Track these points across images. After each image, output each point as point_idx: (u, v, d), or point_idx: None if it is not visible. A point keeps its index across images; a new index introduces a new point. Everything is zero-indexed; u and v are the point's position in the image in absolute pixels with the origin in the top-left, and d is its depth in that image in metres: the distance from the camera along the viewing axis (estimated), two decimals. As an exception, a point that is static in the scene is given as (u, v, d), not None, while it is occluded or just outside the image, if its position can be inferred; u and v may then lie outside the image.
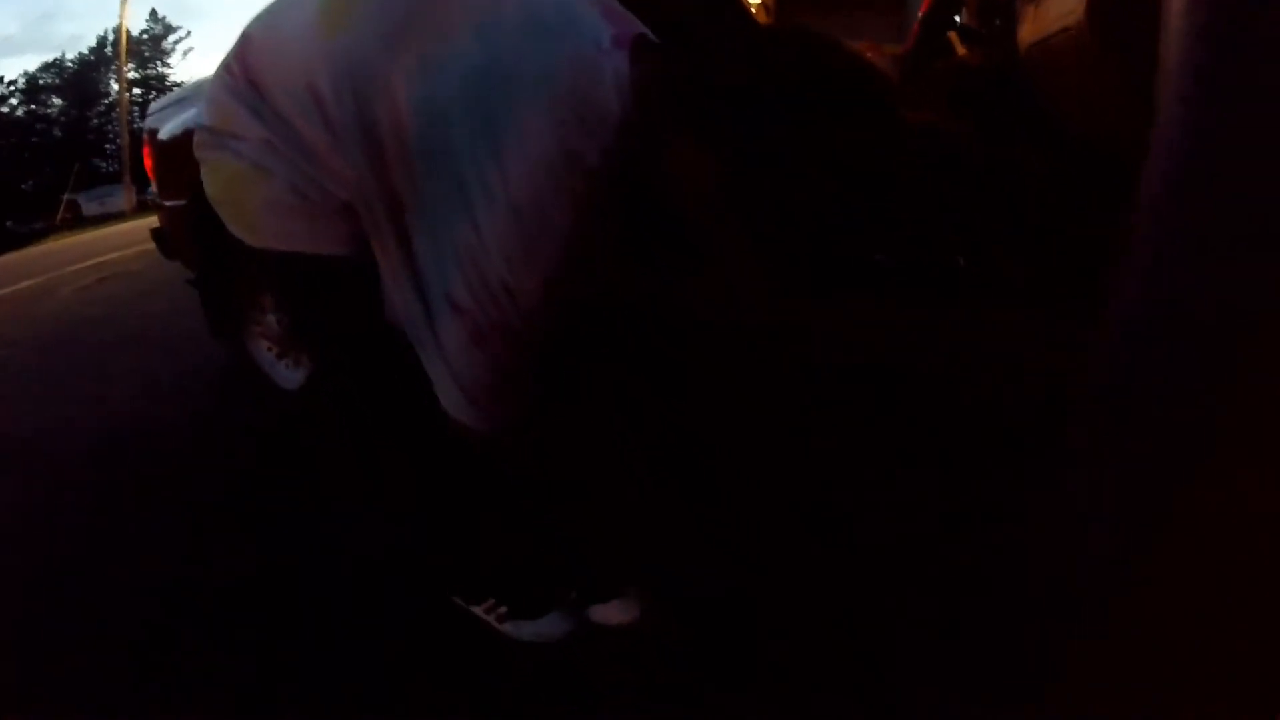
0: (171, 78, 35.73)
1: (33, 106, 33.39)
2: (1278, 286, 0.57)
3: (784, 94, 1.09)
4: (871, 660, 1.33)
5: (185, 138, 2.68)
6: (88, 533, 2.17)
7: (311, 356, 2.50)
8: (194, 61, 38.44)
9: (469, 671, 1.45)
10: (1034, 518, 0.90)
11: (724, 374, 2.09)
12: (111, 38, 31.82)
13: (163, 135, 2.95)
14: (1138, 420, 0.66)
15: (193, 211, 2.69)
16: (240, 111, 1.25)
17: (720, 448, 1.97)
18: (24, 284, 8.60)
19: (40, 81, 33.59)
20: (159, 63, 36.47)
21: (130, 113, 26.16)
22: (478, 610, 1.52)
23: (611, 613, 1.49)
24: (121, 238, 12.61)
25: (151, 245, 3.57)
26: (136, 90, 32.75)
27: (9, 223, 22.91)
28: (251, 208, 1.28)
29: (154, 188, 3.16)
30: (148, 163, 3.14)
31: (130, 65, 31.70)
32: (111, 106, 32.42)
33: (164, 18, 40.42)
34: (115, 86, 30.59)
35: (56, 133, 33.16)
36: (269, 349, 2.77)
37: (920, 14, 3.02)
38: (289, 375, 2.70)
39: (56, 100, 33.85)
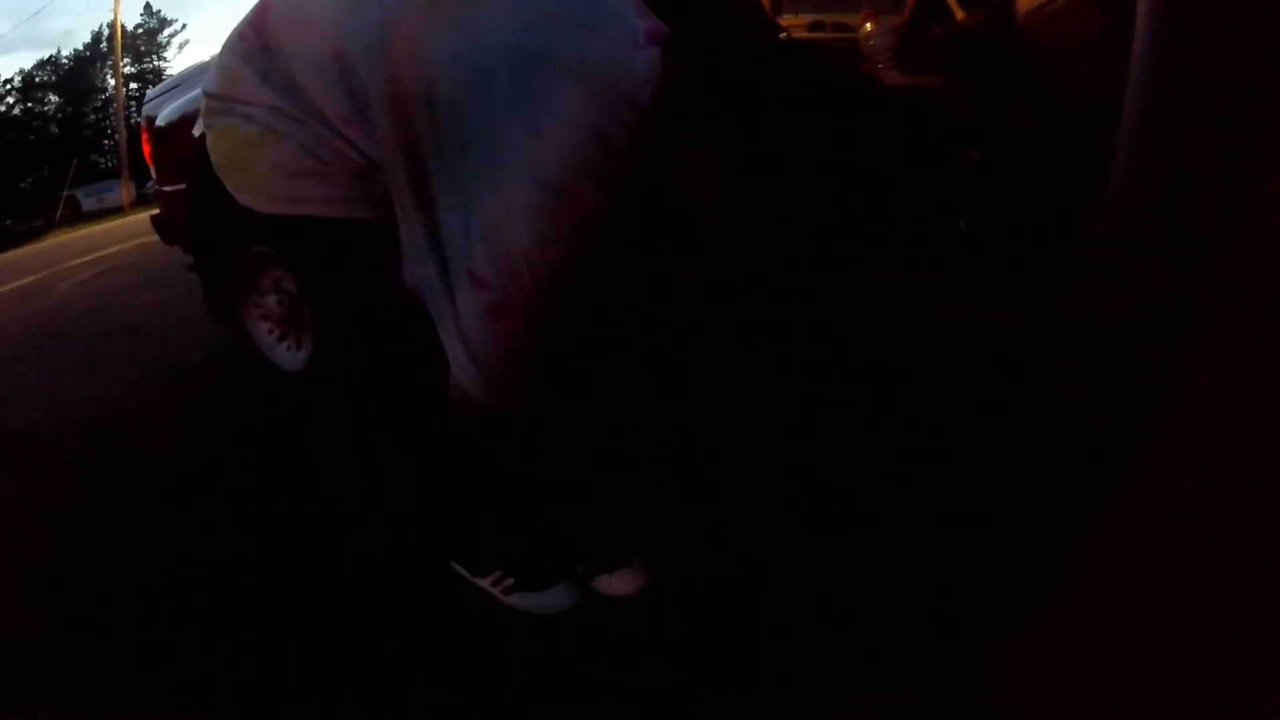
0: (168, 71, 35.66)
1: (29, 104, 33.32)
2: (1239, 270, 0.57)
3: (793, 100, 1.11)
4: (871, 660, 1.33)
5: (183, 123, 2.71)
6: (87, 532, 2.16)
7: (314, 335, 2.51)
8: (189, 54, 38.28)
9: (469, 671, 1.44)
10: (1028, 514, 0.90)
11: (724, 373, 2.10)
12: (106, 33, 31.78)
13: (160, 122, 2.97)
14: (1103, 412, 0.66)
15: (192, 195, 2.71)
16: (251, 77, 1.26)
17: (720, 447, 1.97)
18: (23, 280, 8.58)
19: (36, 79, 33.53)
20: (155, 57, 36.44)
21: (127, 108, 26.07)
22: (483, 582, 1.52)
23: (618, 583, 1.50)
24: (119, 232, 12.60)
25: (149, 239, 3.58)
26: (133, 85, 32.68)
27: (8, 221, 22.87)
28: (261, 171, 1.28)
29: (153, 174, 3.17)
30: (146, 149, 3.16)
31: (126, 60, 31.69)
32: (108, 102, 32.41)
33: (159, 11, 40.53)
34: (111, 82, 30.56)
35: (53, 130, 33.09)
36: (269, 331, 2.77)
37: None
38: (290, 357, 2.71)
39: (53, 97, 33.79)
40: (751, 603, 1.50)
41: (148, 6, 42.41)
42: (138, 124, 4.16)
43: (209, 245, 2.81)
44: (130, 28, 34.89)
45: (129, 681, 1.52)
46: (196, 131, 2.60)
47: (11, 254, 14.33)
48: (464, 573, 1.55)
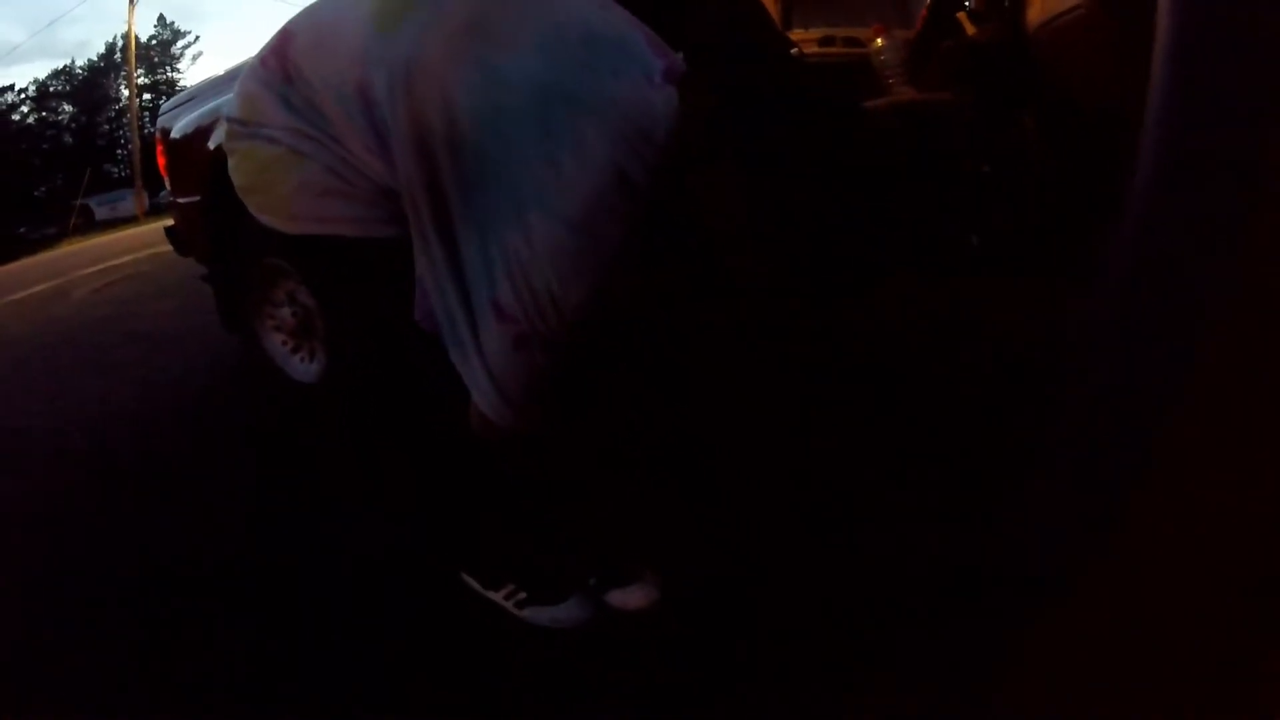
0: (181, 82, 35.84)
1: (43, 114, 33.51)
2: (1264, 276, 0.57)
3: (806, 123, 1.13)
4: (871, 660, 1.32)
5: (197, 136, 2.73)
6: (89, 531, 2.18)
7: (328, 347, 2.51)
8: (203, 66, 38.47)
9: (469, 671, 1.44)
10: (1028, 514, 0.90)
11: (724, 374, 2.09)
12: (120, 44, 31.97)
13: (175, 134, 3.01)
14: (1105, 412, 0.66)
15: (206, 207, 2.73)
16: (273, 103, 1.28)
17: (720, 448, 1.97)
18: (38, 288, 8.64)
19: (50, 89, 33.74)
20: (168, 68, 36.59)
21: (140, 118, 26.24)
22: (495, 596, 1.52)
23: (630, 597, 1.49)
24: (133, 241, 12.66)
25: (162, 248, 3.61)
26: (146, 96, 32.87)
27: (22, 229, 23.03)
28: (286, 191, 1.30)
29: (167, 185, 3.19)
30: (160, 161, 3.19)
31: (140, 71, 31.89)
32: (122, 112, 32.54)
33: (172, 23, 40.67)
34: (125, 92, 30.74)
35: (67, 139, 33.25)
36: (283, 342, 2.77)
37: None
38: (303, 369, 2.71)
39: (67, 107, 33.94)
40: (751, 603, 1.50)
41: (161, 18, 42.56)
42: (151, 134, 4.20)
43: (223, 257, 2.82)
44: (144, 39, 35.07)
45: (129, 681, 1.53)
46: (211, 144, 2.63)
47: (25, 261, 14.43)
48: (476, 586, 1.54)
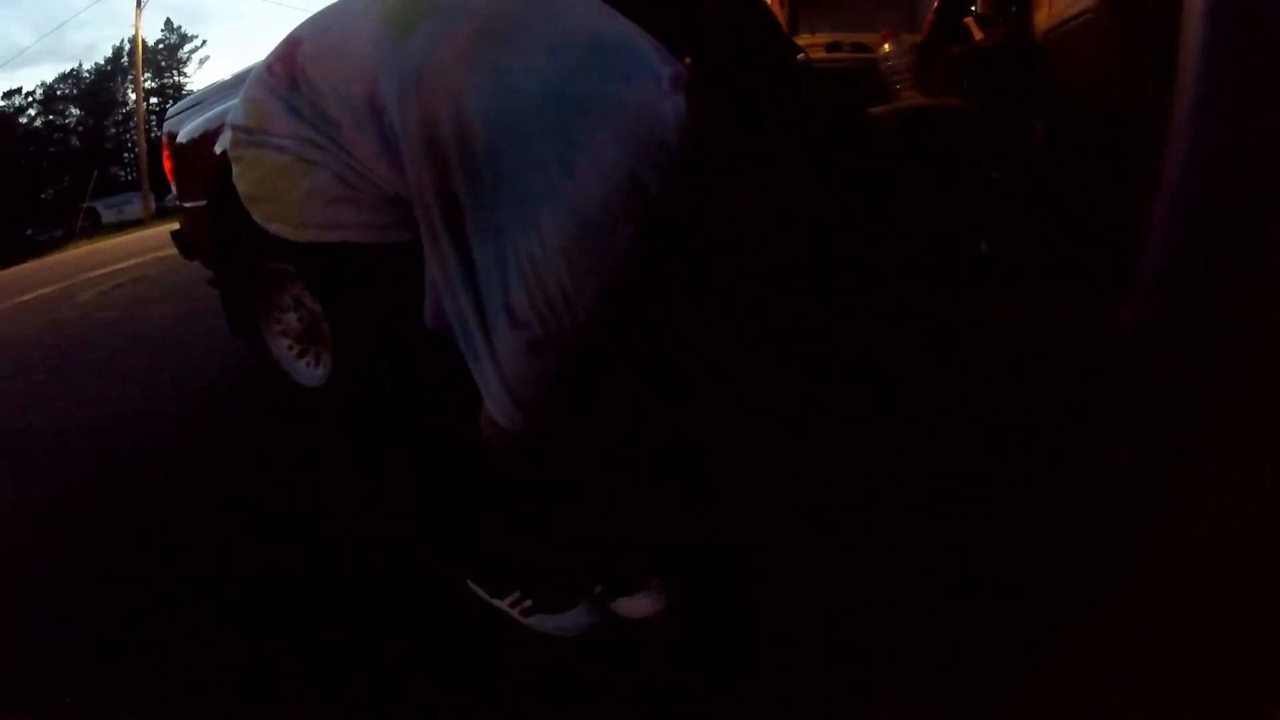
0: (188, 86, 35.96)
1: (51, 116, 33.69)
2: None
3: (811, 128, 1.13)
4: (871, 660, 1.32)
5: (204, 140, 2.74)
6: (90, 531, 2.18)
7: (334, 352, 2.51)
8: (210, 70, 38.59)
9: (469, 671, 1.44)
10: (1039, 514, 0.89)
11: (724, 374, 2.09)
12: (127, 47, 32.12)
13: (181, 138, 3.00)
14: (1150, 416, 0.66)
15: (212, 211, 2.73)
16: (280, 111, 1.27)
17: (720, 448, 1.97)
18: (44, 290, 8.68)
19: (57, 91, 33.92)
20: (175, 72, 36.75)
21: (147, 121, 26.36)
22: (501, 604, 1.51)
23: (637, 605, 1.48)
24: (139, 244, 12.71)
25: (168, 251, 3.61)
26: (153, 99, 32.99)
27: (29, 231, 23.19)
28: (294, 199, 1.29)
29: (174, 189, 3.20)
30: (167, 165, 3.19)
31: (146, 74, 32.00)
32: (128, 115, 32.69)
33: (179, 27, 40.88)
34: (132, 96, 30.87)
35: (74, 142, 33.41)
36: (289, 347, 2.77)
37: (936, 2, 3.03)
38: (309, 373, 2.71)
39: (74, 110, 34.12)
40: (751, 603, 1.49)
41: (168, 22, 42.77)
42: (158, 138, 4.22)
43: (229, 261, 2.83)
44: (151, 43, 35.28)
45: (129, 681, 1.53)
46: (218, 149, 2.61)
47: (32, 263, 14.50)
48: (482, 594, 1.54)
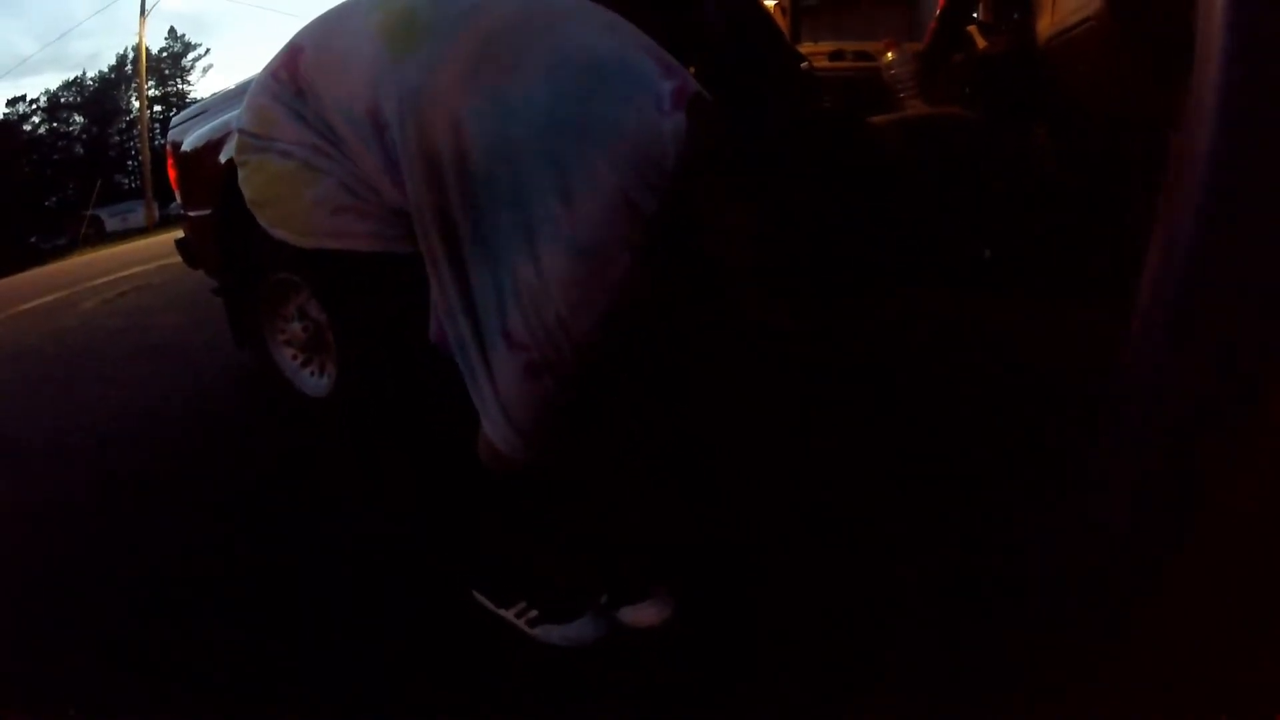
0: (191, 95, 36.04)
1: (54, 124, 33.77)
2: None
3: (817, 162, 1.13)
4: (871, 660, 1.32)
5: (208, 149, 2.75)
6: (90, 533, 2.18)
7: (337, 362, 2.52)
8: (213, 78, 38.67)
9: (469, 671, 1.44)
10: (1044, 517, 0.90)
11: (724, 374, 2.10)
12: (131, 56, 32.16)
13: (186, 147, 3.01)
14: (1167, 420, 0.66)
15: (217, 221, 2.74)
16: (285, 117, 1.27)
17: (720, 448, 1.97)
18: (48, 298, 8.68)
19: (61, 100, 33.98)
20: (179, 80, 36.83)
21: (151, 130, 26.42)
22: (507, 614, 1.51)
23: (643, 615, 1.47)
24: (143, 252, 12.70)
25: (172, 260, 3.62)
26: (157, 107, 33.07)
27: (33, 238, 23.20)
28: (300, 206, 1.29)
29: (178, 198, 3.20)
30: (171, 174, 3.20)
31: (150, 83, 32.05)
32: (132, 124, 32.71)
33: (183, 35, 40.87)
34: (136, 104, 30.92)
35: (78, 150, 33.46)
36: (293, 356, 2.77)
37: (938, 10, 3.03)
38: (314, 383, 2.71)
39: (78, 118, 34.17)
40: (751, 603, 1.50)
41: (172, 30, 42.86)
42: (162, 146, 4.23)
43: (234, 271, 2.83)
44: (155, 51, 35.35)
45: (129, 681, 1.53)
46: (222, 158, 2.64)
47: (36, 271, 14.52)
48: (487, 604, 1.53)
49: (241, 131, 1.35)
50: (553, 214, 1.11)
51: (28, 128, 33.18)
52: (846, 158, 1.20)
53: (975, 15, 3.24)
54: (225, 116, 2.74)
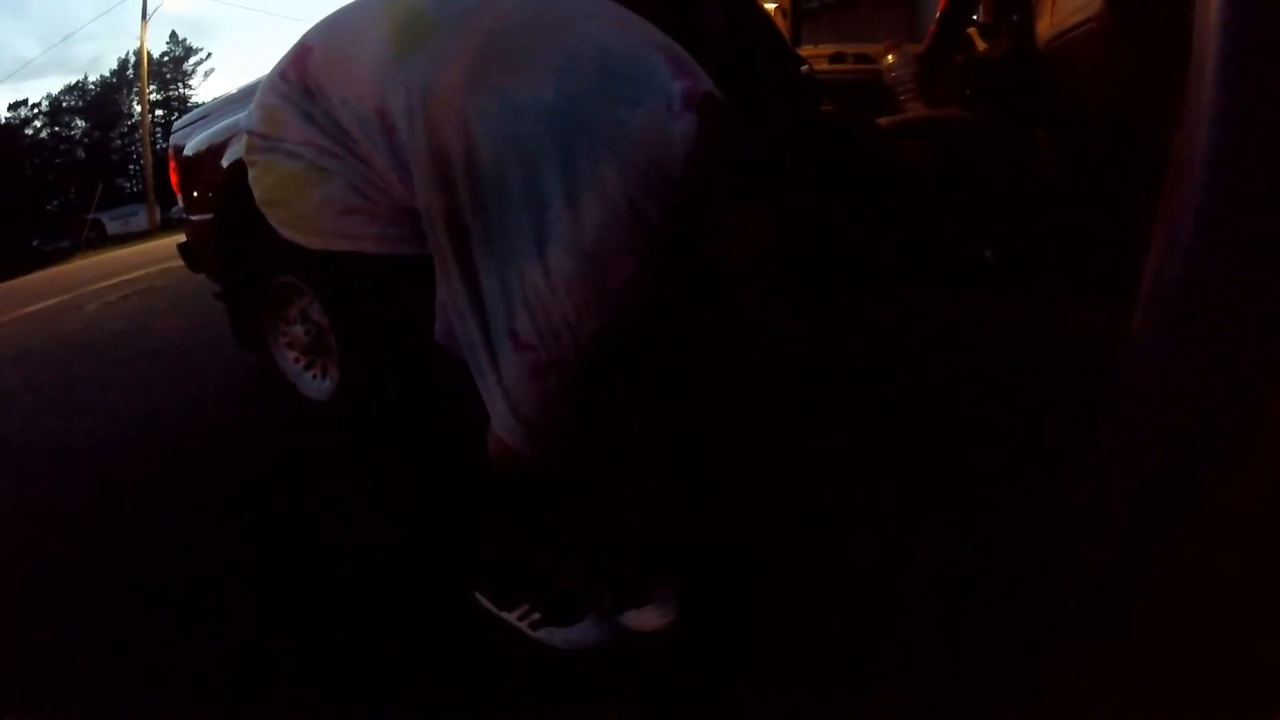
0: (193, 99, 36.11)
1: (56, 128, 33.82)
2: None
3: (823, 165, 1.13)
4: (871, 660, 1.32)
5: (210, 154, 2.75)
6: (90, 533, 2.19)
7: (341, 365, 2.52)
8: (214, 82, 38.73)
9: (469, 671, 1.44)
10: (1044, 517, 0.90)
11: (724, 374, 2.10)
12: (133, 60, 32.21)
13: (187, 151, 3.01)
14: (1167, 420, 0.66)
15: (219, 225, 2.74)
16: (294, 118, 1.27)
17: (720, 448, 1.97)
18: (51, 301, 8.69)
19: (63, 103, 34.04)
20: (180, 84, 36.89)
21: (152, 133, 26.46)
22: (509, 616, 1.50)
23: (646, 618, 1.46)
24: (145, 256, 12.72)
25: (174, 264, 3.62)
26: (159, 111, 33.11)
27: (35, 242, 23.24)
28: (309, 207, 1.28)
29: (180, 202, 3.20)
30: (173, 179, 3.20)
31: (152, 87, 32.10)
32: (134, 127, 32.74)
33: (184, 39, 41.09)
34: (137, 108, 30.95)
35: (80, 154, 33.50)
36: (296, 360, 2.77)
37: (938, 12, 3.03)
38: (316, 386, 2.71)
39: (79, 122, 34.21)
40: (751, 603, 1.50)
41: (174, 35, 42.96)
42: (163, 150, 4.24)
43: (236, 274, 2.83)
44: (157, 55, 35.40)
45: (129, 681, 1.53)
46: (224, 162, 2.64)
47: (39, 275, 14.54)
48: (489, 606, 1.53)
49: (250, 132, 1.34)
50: (559, 216, 1.11)
51: (30, 132, 33.24)
52: (848, 160, 1.20)
53: (975, 17, 3.24)
54: (227, 121, 2.74)
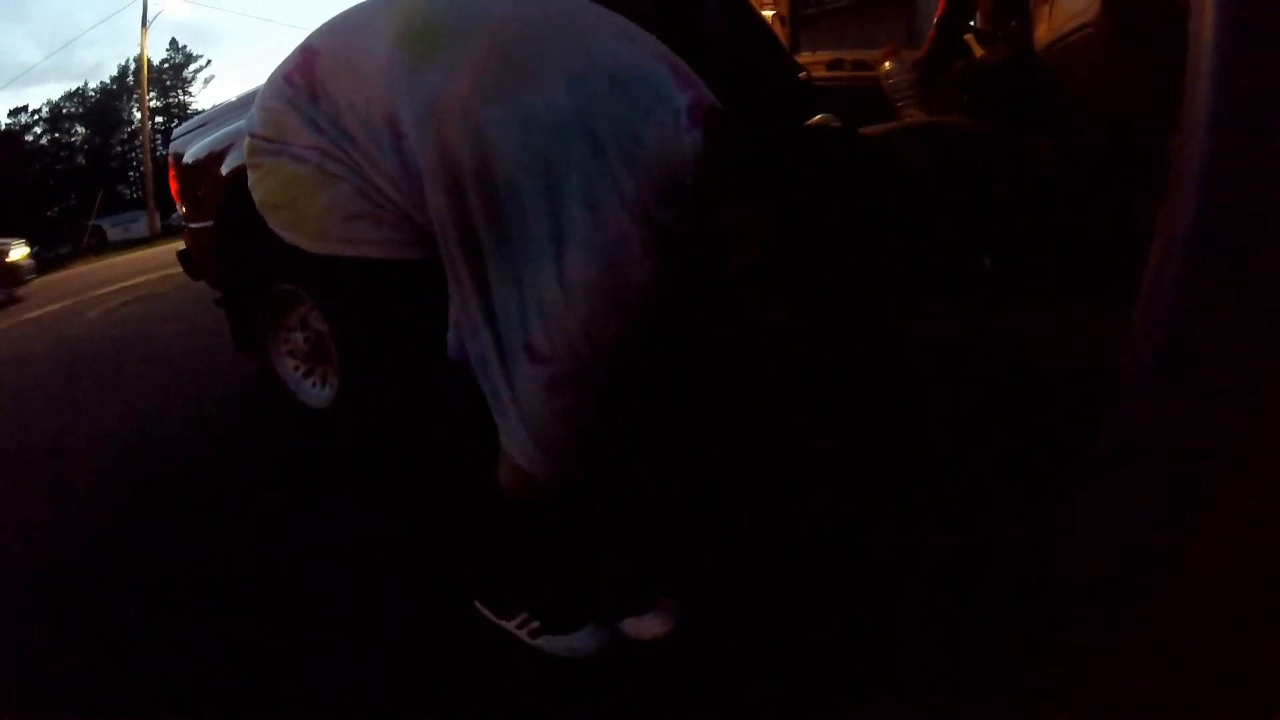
0: (193, 105, 36.17)
1: (57, 135, 33.91)
2: None
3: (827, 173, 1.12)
4: (871, 660, 1.32)
5: (210, 161, 2.75)
6: (90, 534, 2.19)
7: (341, 372, 2.52)
8: (214, 90, 38.84)
9: (469, 671, 1.44)
10: (1044, 517, 0.90)
11: (724, 374, 2.10)
12: (133, 66, 32.28)
13: (187, 159, 3.01)
14: (1167, 420, 0.66)
15: (218, 232, 2.75)
16: (298, 123, 1.25)
17: (721, 448, 1.97)
18: (52, 307, 8.71)
19: (64, 110, 34.14)
20: (180, 91, 36.97)
21: (152, 140, 26.52)
22: (508, 625, 1.49)
23: (646, 625, 1.45)
24: (145, 263, 12.75)
25: (174, 270, 3.63)
26: (158, 118, 33.17)
27: (36, 248, 23.27)
28: (313, 211, 1.27)
29: (180, 209, 3.21)
30: (173, 186, 3.20)
31: (152, 93, 32.15)
32: (134, 134, 32.80)
33: (184, 46, 41.14)
34: (137, 114, 30.99)
35: (80, 160, 33.60)
36: (295, 367, 2.77)
37: (935, 19, 3.03)
38: (316, 393, 2.71)
39: (80, 128, 34.31)
40: (751, 603, 1.49)
41: (174, 42, 42.94)
42: (163, 156, 4.24)
43: (236, 282, 2.83)
44: (157, 62, 35.46)
45: (129, 681, 1.53)
46: (224, 170, 2.65)
47: (39, 281, 14.55)
48: (489, 615, 1.52)
49: (253, 135, 1.32)
50: (575, 225, 1.10)
51: (30, 138, 33.32)
52: (848, 158, 1.19)
53: (973, 24, 3.25)
54: (227, 129, 2.75)
